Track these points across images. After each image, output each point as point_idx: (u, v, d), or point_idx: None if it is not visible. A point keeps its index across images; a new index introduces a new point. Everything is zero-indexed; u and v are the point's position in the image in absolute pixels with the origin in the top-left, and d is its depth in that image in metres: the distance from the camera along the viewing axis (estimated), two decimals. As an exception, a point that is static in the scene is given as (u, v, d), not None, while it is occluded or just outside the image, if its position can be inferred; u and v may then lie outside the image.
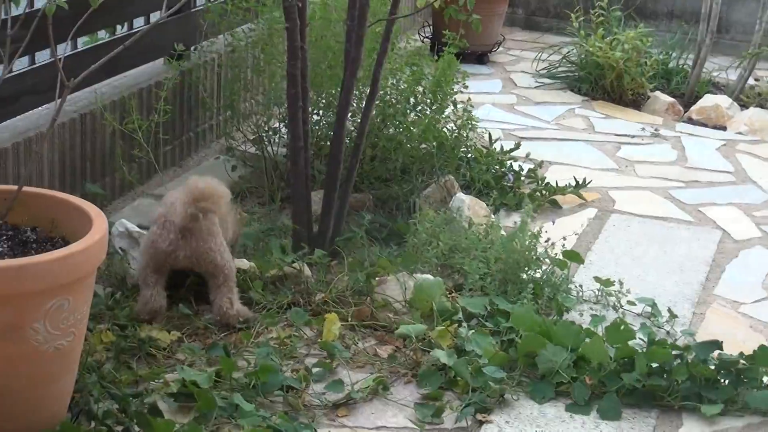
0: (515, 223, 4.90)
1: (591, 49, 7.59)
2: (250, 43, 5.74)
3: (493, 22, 8.26)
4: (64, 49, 3.80)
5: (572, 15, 7.84)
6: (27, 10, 3.54)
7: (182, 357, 4.02)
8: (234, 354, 4.02)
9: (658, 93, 7.59)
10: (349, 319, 4.33)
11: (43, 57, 4.75)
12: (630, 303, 4.65)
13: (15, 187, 3.50)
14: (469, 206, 5.13)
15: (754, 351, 4.06)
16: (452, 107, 5.59)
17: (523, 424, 3.83)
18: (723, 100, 7.48)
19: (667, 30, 8.97)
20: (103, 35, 5.41)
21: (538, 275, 4.67)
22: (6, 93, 4.34)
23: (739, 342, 4.38)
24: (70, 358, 3.38)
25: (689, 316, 4.67)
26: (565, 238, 5.00)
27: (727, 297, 4.88)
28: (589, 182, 5.86)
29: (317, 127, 5.54)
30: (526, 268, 4.65)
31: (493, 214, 5.26)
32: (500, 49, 8.62)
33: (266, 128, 5.63)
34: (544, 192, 5.73)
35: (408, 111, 5.47)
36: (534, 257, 4.68)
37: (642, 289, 4.84)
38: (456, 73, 5.58)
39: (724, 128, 7.25)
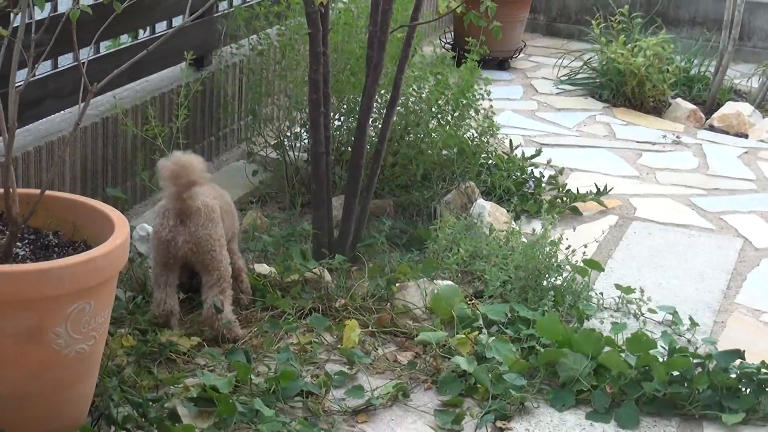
0: (533, 230, 4.88)
1: (612, 55, 7.58)
2: (273, 48, 5.75)
3: (515, 29, 8.25)
4: (87, 54, 3.80)
5: (593, 21, 7.83)
6: (51, 14, 3.55)
7: (202, 362, 4.02)
8: (254, 359, 4.02)
9: (679, 100, 7.57)
10: (370, 326, 4.33)
11: (65, 61, 4.76)
12: (651, 311, 4.63)
13: (37, 191, 3.51)
14: (490, 212, 5.13)
15: (776, 360, 4.05)
16: (474, 114, 5.58)
17: (543, 431, 3.82)
18: (745, 108, 7.46)
19: (689, 37, 8.95)
20: (124, 39, 5.43)
21: (558, 282, 4.66)
22: (29, 97, 4.35)
23: (760, 351, 4.35)
24: (91, 362, 3.39)
25: (710, 325, 4.65)
26: (585, 246, 4.99)
27: (748, 305, 4.86)
28: (610, 189, 5.85)
29: (338, 133, 5.54)
30: (547, 275, 4.64)
31: (514, 221, 5.25)
32: (521, 55, 8.61)
33: (288, 133, 5.63)
34: (564, 199, 5.72)
35: (430, 119, 5.47)
36: (555, 264, 4.67)
37: (663, 297, 4.82)
38: (478, 79, 5.57)
39: (745, 136, 7.23)
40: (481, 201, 5.24)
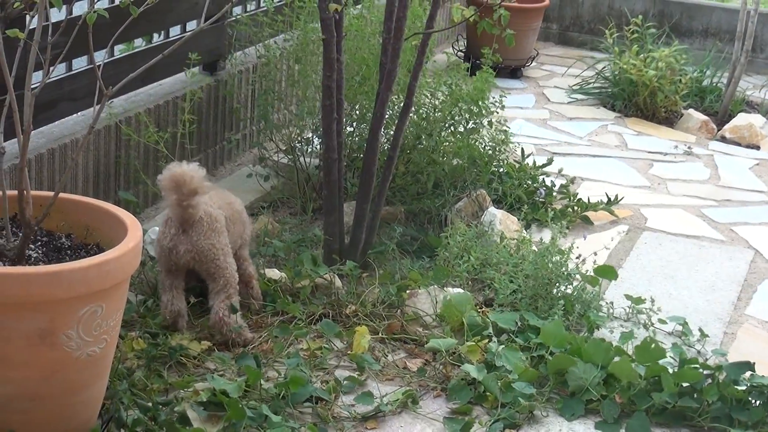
0: (541, 239, 4.89)
1: (625, 66, 7.58)
2: (285, 54, 5.76)
3: (528, 37, 8.26)
4: (102, 57, 3.81)
5: (607, 31, 7.84)
6: (68, 17, 3.55)
7: (212, 366, 4.03)
8: (264, 364, 4.03)
9: (691, 111, 7.56)
10: (380, 332, 4.33)
11: (79, 64, 4.78)
12: (661, 321, 4.63)
13: (51, 194, 3.51)
14: (501, 221, 5.13)
15: (786, 373, 4.05)
16: (487, 125, 5.58)
17: (552, 440, 3.83)
18: (757, 119, 7.46)
19: (702, 48, 8.95)
20: (138, 43, 5.44)
21: (569, 291, 4.65)
22: (43, 99, 4.36)
23: (770, 363, 4.36)
24: (102, 365, 3.39)
25: (720, 336, 4.65)
26: (596, 254, 4.99)
27: (759, 317, 4.86)
28: (621, 199, 5.85)
29: (350, 139, 5.55)
30: (557, 284, 4.64)
31: (525, 229, 5.25)
32: (534, 63, 8.62)
33: (299, 139, 5.64)
34: (575, 208, 5.72)
35: (443, 129, 5.46)
36: (565, 273, 4.67)
37: (673, 308, 4.82)
38: (492, 89, 5.57)
39: (757, 147, 7.23)
40: (492, 209, 5.25)
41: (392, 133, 4.93)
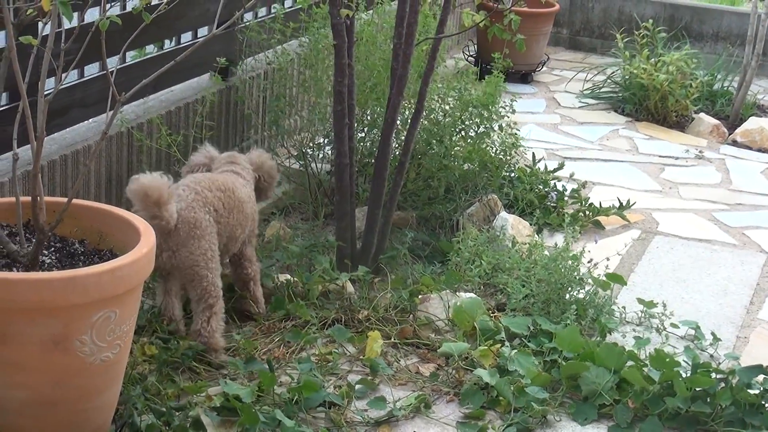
0: (555, 244, 4.88)
1: (635, 70, 7.58)
2: (296, 60, 5.77)
3: (538, 42, 8.26)
4: (115, 64, 3.82)
5: (617, 36, 7.84)
6: (81, 23, 3.56)
7: (224, 371, 4.03)
8: (277, 369, 4.03)
9: (702, 115, 7.56)
10: (392, 337, 4.33)
11: (90, 71, 4.78)
12: (673, 325, 4.63)
13: (64, 200, 3.52)
14: (513, 225, 5.13)
15: (799, 376, 4.04)
16: (499, 130, 5.58)
17: (565, 445, 3.83)
18: (768, 123, 7.45)
19: (713, 52, 8.95)
20: (150, 49, 5.45)
21: (581, 296, 4.65)
22: (56, 106, 4.37)
23: (783, 367, 4.35)
24: (115, 371, 3.40)
25: (733, 340, 4.64)
26: (608, 259, 4.99)
27: (771, 321, 4.86)
28: (632, 203, 5.84)
29: (361, 144, 5.55)
30: (569, 289, 4.64)
31: (537, 234, 5.25)
32: (544, 68, 8.62)
33: (310, 144, 5.64)
34: (587, 212, 5.72)
35: (453, 134, 5.46)
36: (577, 278, 4.67)
37: (685, 312, 4.82)
38: (503, 93, 5.57)
39: (768, 151, 7.23)
40: (503, 214, 5.25)
41: (403, 138, 4.94)
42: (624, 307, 4.73)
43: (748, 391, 3.97)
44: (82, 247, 3.60)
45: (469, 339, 4.33)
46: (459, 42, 8.77)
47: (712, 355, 4.48)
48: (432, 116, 5.48)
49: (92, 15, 3.84)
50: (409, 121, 4.97)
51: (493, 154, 5.55)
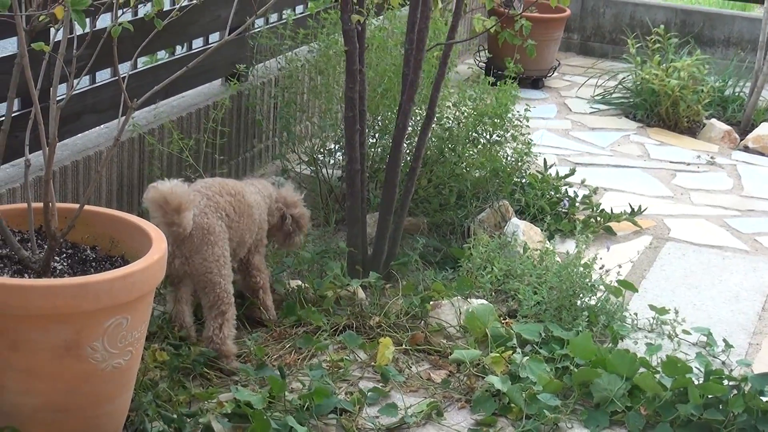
0: (567, 251, 4.88)
1: (647, 76, 7.57)
2: (307, 66, 5.77)
3: (549, 47, 8.25)
4: (128, 70, 3.83)
5: (629, 41, 7.83)
6: (92, 29, 3.57)
7: (235, 377, 4.03)
8: (288, 375, 4.03)
9: (713, 121, 7.54)
10: (404, 344, 4.33)
11: (102, 76, 4.79)
12: (685, 332, 4.61)
13: (75, 206, 3.52)
14: (524, 231, 5.12)
15: (812, 384, 4.02)
16: (510, 139, 5.57)
17: (577, 452, 3.82)
18: (780, 129, 7.43)
19: (724, 57, 8.93)
20: (161, 55, 5.45)
21: (592, 302, 4.64)
22: (67, 111, 4.37)
23: (796, 374, 4.33)
24: (127, 377, 3.40)
25: (745, 347, 4.63)
26: (620, 266, 4.98)
27: (783, 328, 4.84)
28: (644, 210, 5.83)
29: (373, 151, 5.55)
30: (581, 295, 4.63)
31: (548, 240, 5.24)
32: (555, 74, 8.61)
33: (321, 150, 5.64)
34: (598, 218, 5.71)
35: (466, 143, 5.45)
36: (589, 284, 4.66)
37: (697, 318, 4.81)
38: (516, 101, 5.57)
39: (780, 157, 7.21)
40: (515, 220, 5.24)
41: (415, 144, 4.93)
42: (636, 314, 4.72)
43: (761, 398, 3.96)
44: (94, 253, 3.60)
45: (481, 345, 4.32)
46: (470, 48, 8.76)
47: (724, 362, 4.46)
48: (444, 122, 5.47)
49: (104, 21, 3.85)
50: (419, 127, 4.97)
51: (504, 161, 5.54)
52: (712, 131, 7.44)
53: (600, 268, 4.81)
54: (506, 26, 5.09)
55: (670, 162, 6.96)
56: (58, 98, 3.43)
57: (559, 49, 8.65)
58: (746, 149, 7.31)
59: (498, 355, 4.19)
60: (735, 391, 3.99)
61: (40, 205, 3.42)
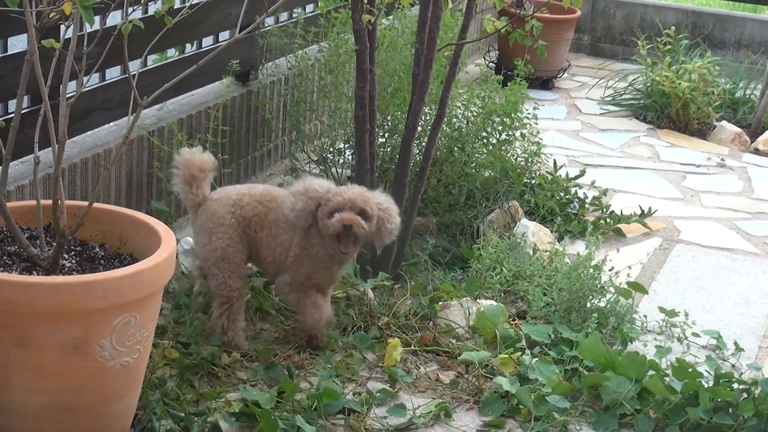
0: (577, 252, 4.86)
1: (657, 77, 7.55)
2: (317, 65, 5.76)
3: (559, 48, 8.23)
4: (138, 67, 3.82)
5: (639, 42, 7.81)
6: (103, 26, 3.56)
7: (244, 376, 4.02)
8: (296, 375, 4.01)
9: (724, 123, 7.52)
10: (412, 344, 4.31)
11: (112, 74, 4.78)
12: (695, 335, 4.59)
13: (84, 203, 3.51)
14: (534, 232, 5.10)
15: (823, 388, 4.00)
16: (521, 138, 5.55)
17: (586, 455, 3.80)
18: (790, 132, 7.41)
19: (735, 59, 8.90)
20: (171, 53, 5.45)
21: (602, 304, 4.62)
22: (77, 109, 4.37)
23: (806, 378, 4.31)
24: (135, 376, 3.39)
25: (755, 350, 4.61)
26: (630, 268, 4.96)
27: (794, 331, 4.82)
28: (654, 211, 5.82)
29: (382, 150, 5.53)
30: (591, 297, 4.61)
31: (558, 241, 5.22)
32: (565, 75, 8.59)
33: (331, 150, 5.63)
34: (608, 220, 5.69)
35: (475, 142, 5.44)
36: (598, 286, 4.64)
37: (707, 321, 4.79)
38: (525, 100, 5.55)
39: (791, 160, 7.19)
40: (524, 221, 5.22)
41: (424, 144, 4.92)
42: (645, 316, 4.70)
43: (771, 402, 3.94)
44: (103, 251, 3.59)
45: (490, 347, 4.31)
46: (480, 48, 8.75)
47: (734, 365, 4.45)
48: (453, 122, 5.45)
49: (114, 18, 3.84)
50: (430, 126, 4.95)
51: (514, 162, 5.53)
52: (722, 133, 7.42)
53: (609, 270, 4.79)
54: (517, 27, 5.07)
55: (680, 164, 6.94)
56: (68, 95, 3.42)
57: (569, 50, 8.63)
58: (757, 151, 7.28)
59: (507, 356, 4.18)
60: (745, 395, 3.97)
61: (49, 202, 3.41)
